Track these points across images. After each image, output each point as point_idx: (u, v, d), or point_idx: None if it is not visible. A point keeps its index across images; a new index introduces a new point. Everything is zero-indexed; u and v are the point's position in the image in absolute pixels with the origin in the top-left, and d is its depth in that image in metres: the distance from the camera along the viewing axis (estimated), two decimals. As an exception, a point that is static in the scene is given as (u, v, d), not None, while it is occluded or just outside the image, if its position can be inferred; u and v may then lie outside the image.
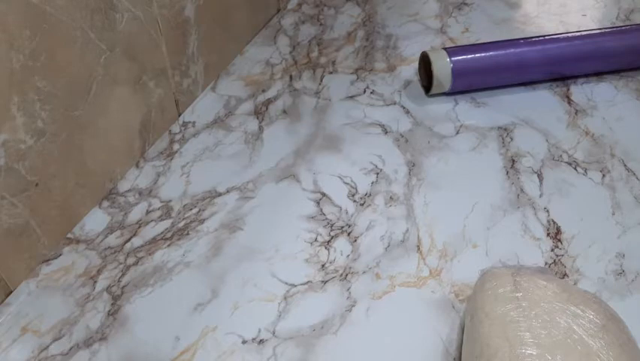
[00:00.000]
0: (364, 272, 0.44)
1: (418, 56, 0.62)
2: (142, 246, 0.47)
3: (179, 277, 0.44)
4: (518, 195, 0.50)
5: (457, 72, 0.58)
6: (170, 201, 0.50)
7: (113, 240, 0.47)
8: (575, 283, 0.43)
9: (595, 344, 0.32)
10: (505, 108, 0.59)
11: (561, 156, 0.53)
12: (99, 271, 0.45)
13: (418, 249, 0.46)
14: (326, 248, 0.46)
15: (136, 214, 0.49)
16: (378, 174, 0.52)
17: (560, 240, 0.46)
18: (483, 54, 0.60)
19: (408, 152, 0.54)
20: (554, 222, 0.47)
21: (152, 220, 0.49)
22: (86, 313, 0.42)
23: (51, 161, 0.44)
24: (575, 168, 0.52)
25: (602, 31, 0.62)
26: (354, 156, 0.54)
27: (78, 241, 0.47)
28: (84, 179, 0.48)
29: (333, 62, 0.66)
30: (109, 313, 0.42)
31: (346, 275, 0.44)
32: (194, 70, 0.59)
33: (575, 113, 0.58)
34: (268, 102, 0.61)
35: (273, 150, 0.55)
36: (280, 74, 0.65)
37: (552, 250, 0.45)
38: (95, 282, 0.44)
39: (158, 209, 0.50)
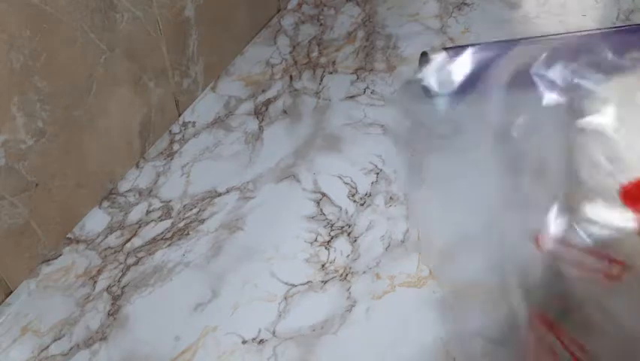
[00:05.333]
0: (364, 272, 0.44)
1: (418, 56, 0.62)
2: (142, 246, 0.47)
3: (179, 277, 0.44)
4: (518, 195, 0.50)
5: (457, 72, 0.58)
6: (170, 201, 0.50)
7: (113, 240, 0.47)
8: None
9: None
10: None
11: (561, 156, 0.53)
12: (99, 271, 0.45)
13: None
14: (326, 248, 0.46)
15: (136, 214, 0.49)
16: (378, 174, 0.52)
17: (559, 240, 0.46)
18: (483, 54, 0.60)
19: (408, 152, 0.54)
20: (554, 223, 0.47)
21: (152, 220, 0.49)
22: (86, 314, 0.42)
23: (51, 161, 0.44)
24: (575, 168, 0.52)
25: (602, 31, 0.62)
26: (354, 156, 0.54)
27: (78, 241, 0.47)
28: (84, 179, 0.48)
29: (333, 62, 0.66)
30: (109, 314, 0.42)
31: (346, 275, 0.44)
32: (194, 70, 0.59)
33: (575, 114, 0.58)
34: (268, 102, 0.61)
35: (273, 150, 0.55)
36: (280, 74, 0.65)
37: (552, 250, 0.45)
38: (95, 282, 0.44)
39: (159, 209, 0.50)
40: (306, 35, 0.71)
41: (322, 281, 0.44)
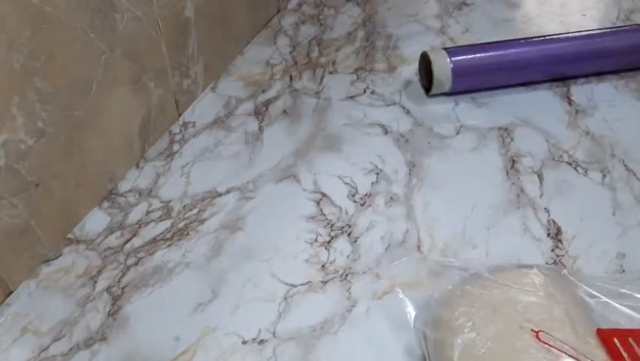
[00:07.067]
0: (364, 272, 0.44)
1: (418, 56, 0.62)
2: (142, 246, 0.47)
3: (179, 277, 0.44)
4: (518, 195, 0.50)
5: (457, 72, 0.58)
6: (170, 201, 0.50)
7: (113, 240, 0.47)
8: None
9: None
10: (505, 108, 0.59)
11: (561, 156, 0.53)
12: (99, 272, 0.45)
13: (419, 249, 0.46)
14: (326, 248, 0.46)
15: (136, 214, 0.49)
16: (378, 174, 0.52)
17: (560, 240, 0.46)
18: (483, 54, 0.60)
19: (408, 152, 0.54)
20: (555, 223, 0.47)
21: (152, 220, 0.49)
22: (86, 314, 0.42)
23: (51, 161, 0.44)
24: (576, 169, 0.52)
25: (603, 31, 0.62)
26: (354, 156, 0.54)
27: (78, 242, 0.47)
28: (84, 179, 0.48)
29: (333, 62, 0.66)
30: (109, 314, 0.42)
31: (346, 275, 0.44)
32: (194, 70, 0.59)
33: (575, 114, 0.58)
34: (268, 102, 0.61)
35: (273, 150, 0.55)
36: (280, 74, 0.65)
37: (552, 251, 0.45)
38: (95, 282, 0.44)
39: (158, 209, 0.50)
40: (306, 35, 0.71)
41: (322, 281, 0.44)
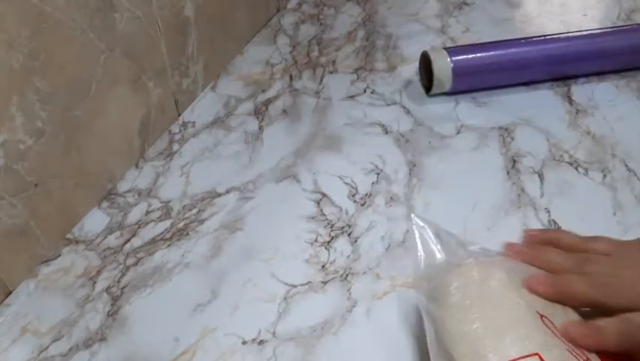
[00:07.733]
0: (364, 273, 0.44)
1: (418, 55, 0.62)
2: (141, 246, 0.46)
3: (179, 277, 0.44)
4: (519, 195, 0.50)
5: (458, 72, 0.58)
6: (169, 201, 0.50)
7: (112, 240, 0.47)
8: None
9: None
10: (505, 108, 0.59)
11: (562, 156, 0.53)
12: (99, 272, 0.45)
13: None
14: (326, 248, 0.46)
15: (135, 215, 0.49)
16: (378, 174, 0.52)
17: (560, 240, 0.46)
18: (484, 54, 0.60)
19: (408, 152, 0.54)
20: (555, 223, 0.47)
21: (151, 221, 0.49)
22: (86, 314, 0.42)
23: (50, 161, 0.44)
24: (576, 168, 0.52)
25: (603, 30, 0.62)
26: (355, 156, 0.54)
27: (77, 242, 0.47)
28: (83, 179, 0.48)
29: (334, 62, 0.66)
30: (108, 314, 0.42)
31: (346, 276, 0.44)
32: (194, 70, 0.59)
33: (576, 113, 0.58)
34: (268, 102, 0.61)
35: (273, 150, 0.55)
36: (280, 74, 0.65)
37: (553, 251, 0.45)
38: (95, 283, 0.44)
39: (158, 209, 0.49)
40: (306, 35, 0.71)
41: (322, 282, 0.44)
